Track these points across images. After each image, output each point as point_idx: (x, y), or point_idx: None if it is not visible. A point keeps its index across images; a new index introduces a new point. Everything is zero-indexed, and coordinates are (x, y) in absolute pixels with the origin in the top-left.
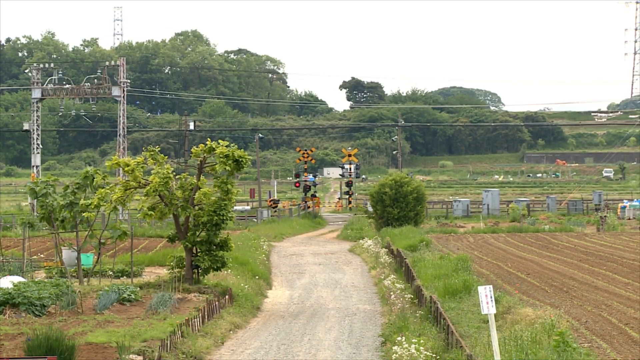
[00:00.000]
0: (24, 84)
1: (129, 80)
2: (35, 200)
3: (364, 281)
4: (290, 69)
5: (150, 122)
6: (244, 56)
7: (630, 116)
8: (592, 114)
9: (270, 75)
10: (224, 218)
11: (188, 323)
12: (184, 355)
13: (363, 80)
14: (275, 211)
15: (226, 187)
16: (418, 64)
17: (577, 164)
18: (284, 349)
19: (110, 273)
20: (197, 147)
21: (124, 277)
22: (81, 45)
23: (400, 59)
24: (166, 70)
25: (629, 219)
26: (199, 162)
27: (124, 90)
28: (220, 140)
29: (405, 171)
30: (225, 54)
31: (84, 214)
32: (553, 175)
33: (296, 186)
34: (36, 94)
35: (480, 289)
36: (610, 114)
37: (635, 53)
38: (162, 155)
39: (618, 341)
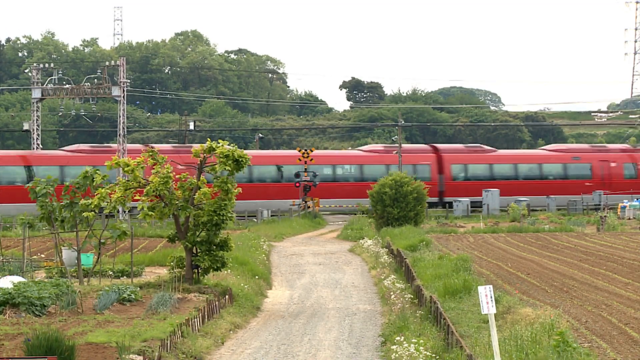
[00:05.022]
0: (24, 84)
1: (129, 80)
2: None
3: (364, 281)
4: (290, 69)
5: (150, 122)
6: (244, 56)
7: (630, 116)
8: (592, 114)
9: (270, 75)
10: (224, 218)
11: (188, 323)
12: (184, 355)
13: (363, 80)
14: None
15: (226, 187)
16: (418, 64)
17: None
18: (284, 349)
19: (110, 273)
20: (197, 146)
21: (124, 277)
22: (81, 45)
23: (401, 59)
24: (166, 70)
25: (629, 219)
26: (199, 162)
27: (124, 90)
28: (220, 140)
29: (406, 171)
30: (225, 54)
31: (84, 214)
32: None
33: (296, 186)
34: (36, 94)
35: (480, 288)
36: (610, 114)
37: (635, 53)
38: (162, 155)
39: (618, 341)
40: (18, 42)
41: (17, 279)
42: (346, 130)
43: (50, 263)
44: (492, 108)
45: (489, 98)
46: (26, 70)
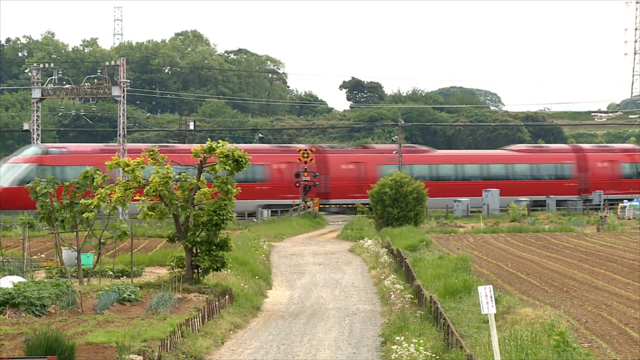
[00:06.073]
0: (24, 84)
1: (129, 80)
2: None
3: (364, 281)
4: (290, 69)
5: (150, 122)
6: (244, 56)
7: (630, 116)
8: (592, 114)
9: (270, 75)
10: (224, 218)
11: (188, 323)
12: (184, 355)
13: (363, 80)
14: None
15: (226, 187)
16: (418, 64)
17: None
18: (284, 349)
19: (110, 273)
20: (197, 146)
21: (124, 277)
22: (81, 45)
23: (400, 59)
24: (166, 70)
25: (629, 219)
26: (199, 162)
27: (124, 90)
28: (220, 140)
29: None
30: (225, 54)
31: (84, 215)
32: None
33: (296, 186)
34: (36, 94)
35: (480, 288)
36: (610, 114)
37: (635, 53)
38: (162, 155)
39: (618, 341)
40: (18, 42)
41: (17, 279)
42: (346, 130)
43: (50, 263)
44: (492, 108)
45: (489, 98)
46: (26, 70)
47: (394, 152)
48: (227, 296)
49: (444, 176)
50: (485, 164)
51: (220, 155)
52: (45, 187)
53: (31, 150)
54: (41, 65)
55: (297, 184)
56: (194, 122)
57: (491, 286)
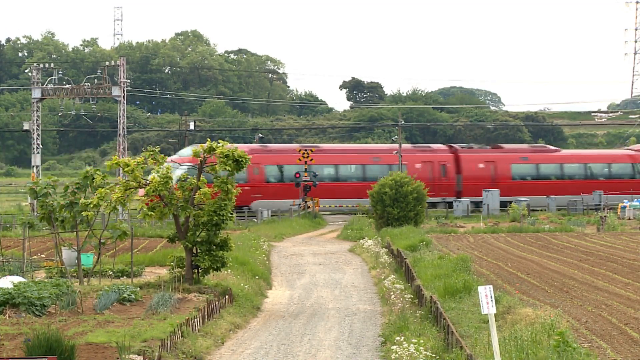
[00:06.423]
0: (24, 84)
1: (129, 80)
2: (35, 200)
3: (364, 281)
4: (290, 69)
5: (150, 122)
6: (244, 56)
7: (630, 116)
8: (592, 114)
9: (270, 75)
10: (224, 218)
11: (188, 323)
12: (184, 355)
13: (363, 80)
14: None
15: (226, 187)
16: (418, 64)
17: None
18: (284, 349)
19: (110, 273)
20: (197, 146)
21: (124, 277)
22: (81, 45)
23: (400, 59)
24: (166, 70)
25: (629, 219)
26: (198, 162)
27: (124, 90)
28: (220, 140)
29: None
30: (225, 54)
31: (83, 213)
32: None
33: (296, 186)
34: (36, 94)
35: (481, 288)
36: (610, 114)
37: (635, 53)
38: (162, 155)
39: (618, 341)
40: (18, 42)
41: (17, 279)
42: (346, 130)
43: (50, 263)
44: (492, 108)
45: (489, 98)
46: (26, 70)
47: (523, 152)
48: (227, 296)
49: (571, 175)
50: (609, 163)
51: (221, 155)
52: (45, 187)
53: (188, 151)
54: (41, 65)
55: (297, 184)
56: (194, 122)
57: (491, 286)
